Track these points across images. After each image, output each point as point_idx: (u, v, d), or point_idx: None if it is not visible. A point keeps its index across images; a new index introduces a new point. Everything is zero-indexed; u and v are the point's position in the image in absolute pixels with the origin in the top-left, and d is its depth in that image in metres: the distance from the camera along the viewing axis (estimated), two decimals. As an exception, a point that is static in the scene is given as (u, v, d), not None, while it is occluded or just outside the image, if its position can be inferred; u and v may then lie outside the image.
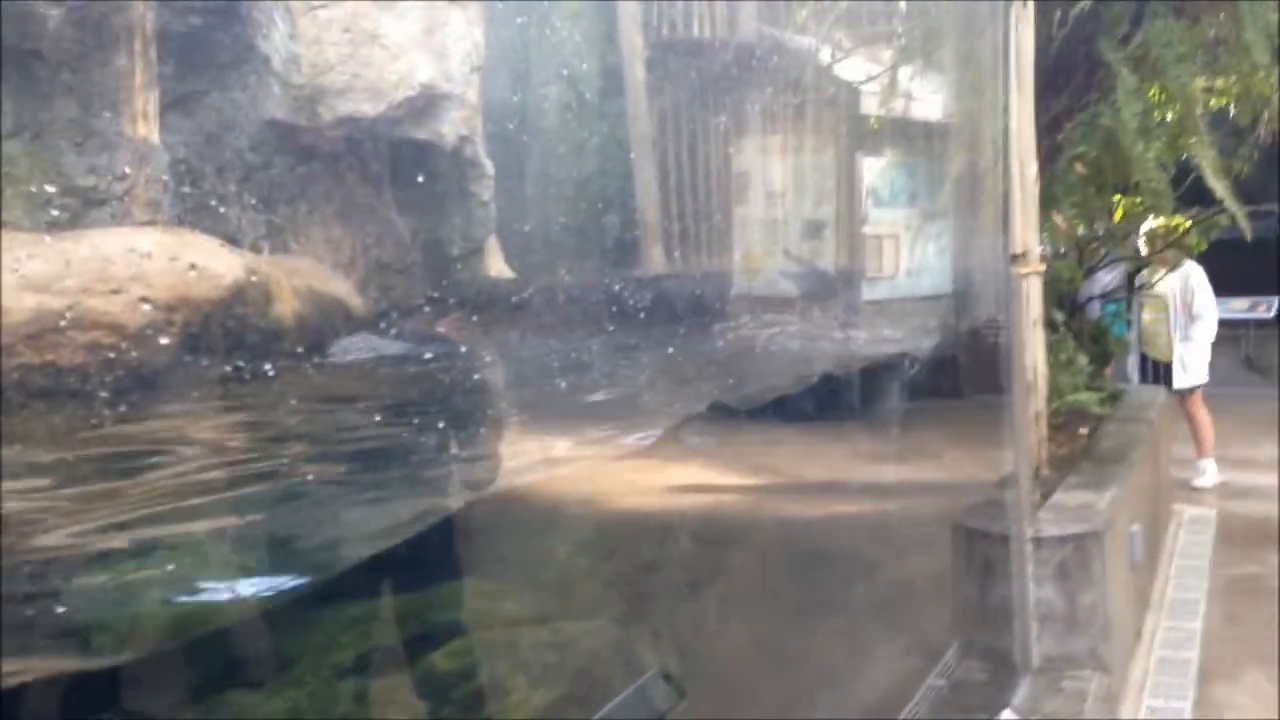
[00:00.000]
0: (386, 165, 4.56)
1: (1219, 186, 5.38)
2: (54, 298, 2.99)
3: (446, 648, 2.74)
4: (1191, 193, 6.37)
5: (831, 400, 6.89)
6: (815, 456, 5.83)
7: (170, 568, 2.33)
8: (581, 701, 2.92)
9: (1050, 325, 6.28)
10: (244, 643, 2.37)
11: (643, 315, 4.81)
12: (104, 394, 2.86)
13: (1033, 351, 4.93)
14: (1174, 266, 8.01)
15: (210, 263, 3.38)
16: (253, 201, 4.29)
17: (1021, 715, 3.73)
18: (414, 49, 4.43)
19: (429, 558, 2.76)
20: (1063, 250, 7.35)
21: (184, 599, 2.33)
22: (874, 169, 7.76)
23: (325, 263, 4.45)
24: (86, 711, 2.13)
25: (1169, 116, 5.97)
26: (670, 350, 4.71)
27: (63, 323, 2.87)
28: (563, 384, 3.81)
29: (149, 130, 3.81)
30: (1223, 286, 10.42)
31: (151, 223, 3.60)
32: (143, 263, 3.24)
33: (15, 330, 2.87)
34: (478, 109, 4.83)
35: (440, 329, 3.92)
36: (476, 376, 3.54)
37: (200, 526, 2.43)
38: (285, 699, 2.43)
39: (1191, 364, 8.14)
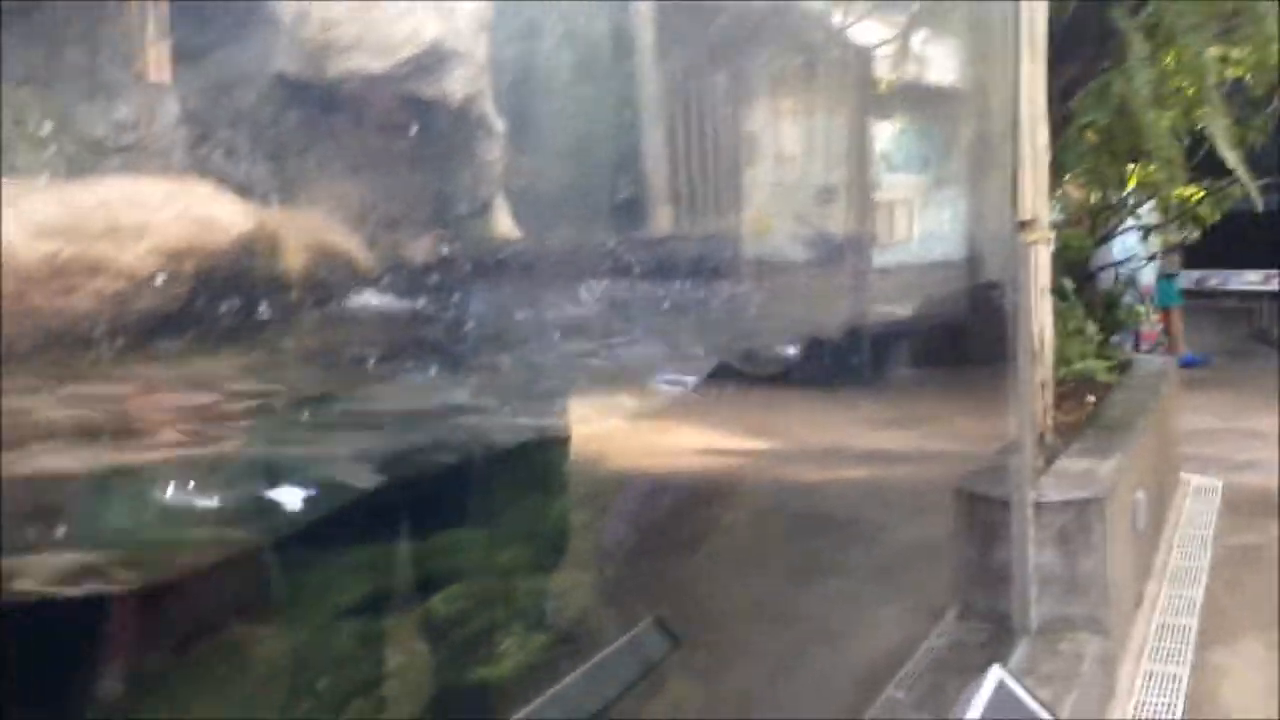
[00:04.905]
0: (393, 122, 4.54)
1: (1231, 157, 5.34)
2: (64, 244, 3.00)
3: (445, 593, 2.78)
4: (1206, 163, 6.33)
5: (839, 365, 6.88)
6: (820, 421, 5.84)
7: (174, 495, 2.35)
8: (576, 649, 2.96)
9: (1060, 293, 6.27)
10: (243, 578, 2.41)
11: (650, 276, 4.82)
12: (118, 340, 2.87)
13: (1040, 319, 4.92)
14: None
15: (218, 214, 3.39)
16: (261, 155, 4.28)
17: (1017, 675, 3.76)
18: (420, 6, 4.41)
19: (430, 506, 2.79)
20: (1075, 219, 7.32)
21: (188, 527, 2.34)
22: (886, 134, 7.71)
23: (333, 217, 4.45)
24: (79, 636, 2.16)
25: (1183, 85, 5.93)
26: (675, 312, 4.72)
27: (73, 269, 2.89)
28: (566, 343, 3.83)
29: (160, 81, 3.80)
30: (1234, 259, 10.40)
31: (161, 173, 3.61)
32: (151, 212, 3.26)
33: (25, 276, 2.89)
34: (485, 67, 4.79)
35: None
36: (480, 333, 3.56)
37: (210, 454, 2.45)
38: (285, 638, 2.47)
39: None
